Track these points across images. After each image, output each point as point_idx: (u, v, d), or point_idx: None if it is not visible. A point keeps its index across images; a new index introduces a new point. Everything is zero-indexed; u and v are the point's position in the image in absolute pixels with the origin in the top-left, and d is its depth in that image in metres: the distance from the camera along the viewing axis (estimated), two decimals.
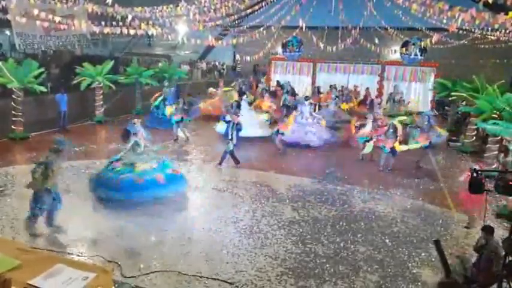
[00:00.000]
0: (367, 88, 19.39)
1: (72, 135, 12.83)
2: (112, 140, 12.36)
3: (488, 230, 5.09)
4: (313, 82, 21.05)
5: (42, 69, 12.99)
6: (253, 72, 28.31)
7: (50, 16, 9.41)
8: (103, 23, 9.64)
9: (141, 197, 7.36)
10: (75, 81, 14.87)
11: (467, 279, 5.02)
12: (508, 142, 9.34)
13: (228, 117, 10.83)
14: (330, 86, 19.20)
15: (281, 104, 16.64)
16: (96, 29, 9.53)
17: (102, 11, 9.73)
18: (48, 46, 17.16)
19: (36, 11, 9.17)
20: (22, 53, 18.53)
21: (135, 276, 5.23)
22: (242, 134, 12.66)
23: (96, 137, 13.65)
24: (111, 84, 15.41)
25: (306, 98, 14.10)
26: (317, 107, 17.27)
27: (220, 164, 10.40)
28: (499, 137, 10.79)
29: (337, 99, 17.36)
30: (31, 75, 12.53)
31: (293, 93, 18.30)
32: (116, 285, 4.78)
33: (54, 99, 13.77)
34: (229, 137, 10.32)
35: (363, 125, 11.69)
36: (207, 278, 5.29)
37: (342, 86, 19.84)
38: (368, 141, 11.12)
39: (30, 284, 2.65)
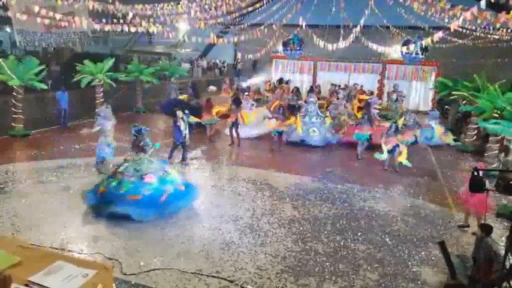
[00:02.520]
0: (357, 85, 18.99)
1: (73, 133, 12.84)
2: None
3: (483, 228, 5.00)
4: (314, 81, 21.01)
5: (42, 67, 12.95)
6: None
7: (51, 13, 9.41)
8: (104, 20, 9.65)
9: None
10: (75, 79, 14.85)
11: (471, 279, 5.00)
12: (509, 141, 9.34)
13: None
14: (334, 85, 18.96)
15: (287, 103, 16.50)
16: (97, 27, 9.55)
17: (103, 9, 9.73)
18: (48, 43, 17.21)
19: (36, 8, 9.17)
20: (23, 50, 18.52)
21: (135, 274, 5.23)
22: (251, 133, 12.78)
23: (96, 135, 13.59)
24: (111, 82, 15.41)
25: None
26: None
27: (171, 157, 10.05)
28: (500, 136, 10.80)
29: (343, 98, 17.20)
30: (31, 73, 12.53)
31: (297, 94, 18.17)
32: (116, 283, 4.78)
33: (55, 96, 13.76)
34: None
35: (359, 124, 12.05)
36: (207, 275, 5.29)
37: (345, 85, 19.76)
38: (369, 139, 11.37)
39: (30, 281, 2.65)
